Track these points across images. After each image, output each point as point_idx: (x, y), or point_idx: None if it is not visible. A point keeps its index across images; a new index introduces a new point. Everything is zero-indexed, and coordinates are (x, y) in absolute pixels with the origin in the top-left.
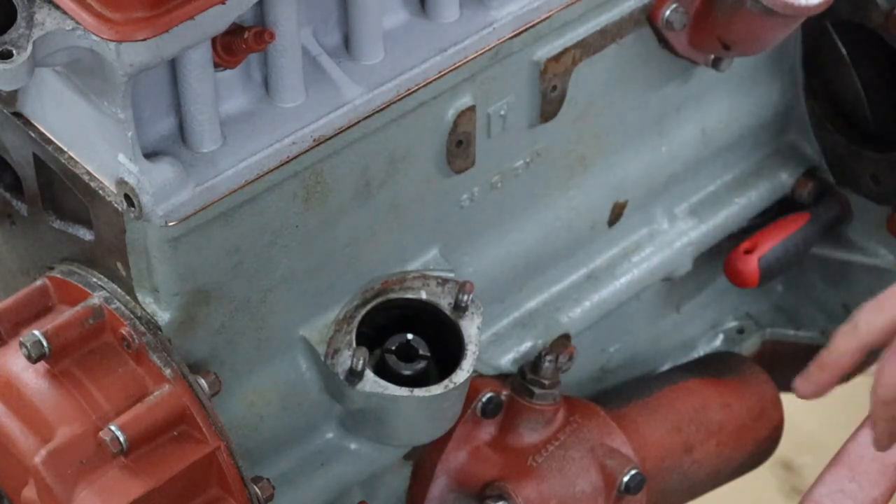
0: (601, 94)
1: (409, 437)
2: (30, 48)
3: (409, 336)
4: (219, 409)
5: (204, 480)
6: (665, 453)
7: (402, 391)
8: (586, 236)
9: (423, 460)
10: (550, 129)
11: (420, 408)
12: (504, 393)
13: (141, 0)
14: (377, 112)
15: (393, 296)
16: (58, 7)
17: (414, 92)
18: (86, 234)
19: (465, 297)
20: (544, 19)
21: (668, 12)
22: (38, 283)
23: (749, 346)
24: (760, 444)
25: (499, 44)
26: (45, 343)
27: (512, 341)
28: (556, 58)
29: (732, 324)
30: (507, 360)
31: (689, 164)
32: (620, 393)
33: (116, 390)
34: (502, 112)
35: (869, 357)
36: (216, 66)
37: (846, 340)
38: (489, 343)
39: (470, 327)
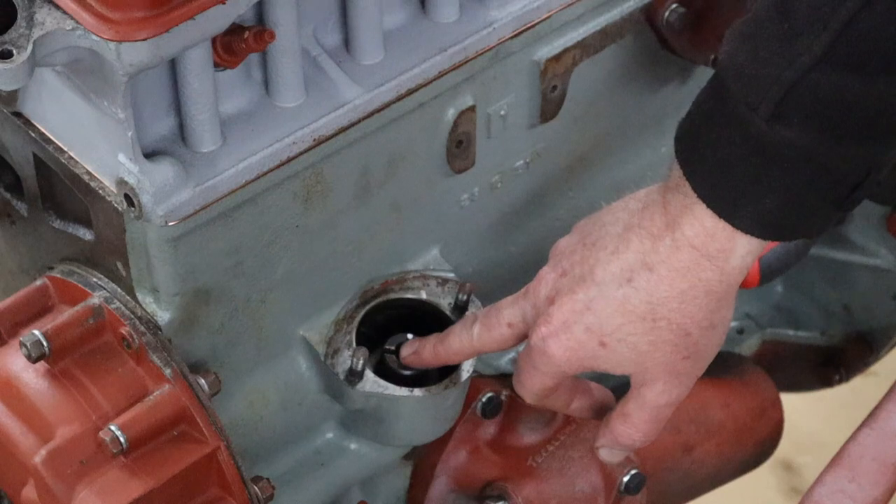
0: (601, 95)
1: (409, 437)
2: (30, 48)
3: (409, 336)
4: (219, 409)
5: (204, 480)
6: (665, 453)
7: (402, 391)
8: None
9: (423, 460)
10: (550, 129)
11: (420, 408)
12: (504, 393)
13: (141, 0)
14: (377, 112)
15: (393, 296)
16: (58, 7)
17: (414, 92)
18: (86, 234)
19: (465, 297)
20: (544, 19)
21: (668, 12)
22: (38, 282)
23: (749, 346)
24: (760, 444)
25: (499, 44)
26: (45, 343)
27: None
28: (556, 58)
29: (732, 324)
30: (507, 360)
31: None
32: (620, 393)
33: (116, 390)
34: (502, 112)
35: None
36: (216, 66)
37: (461, 343)
38: None
39: None
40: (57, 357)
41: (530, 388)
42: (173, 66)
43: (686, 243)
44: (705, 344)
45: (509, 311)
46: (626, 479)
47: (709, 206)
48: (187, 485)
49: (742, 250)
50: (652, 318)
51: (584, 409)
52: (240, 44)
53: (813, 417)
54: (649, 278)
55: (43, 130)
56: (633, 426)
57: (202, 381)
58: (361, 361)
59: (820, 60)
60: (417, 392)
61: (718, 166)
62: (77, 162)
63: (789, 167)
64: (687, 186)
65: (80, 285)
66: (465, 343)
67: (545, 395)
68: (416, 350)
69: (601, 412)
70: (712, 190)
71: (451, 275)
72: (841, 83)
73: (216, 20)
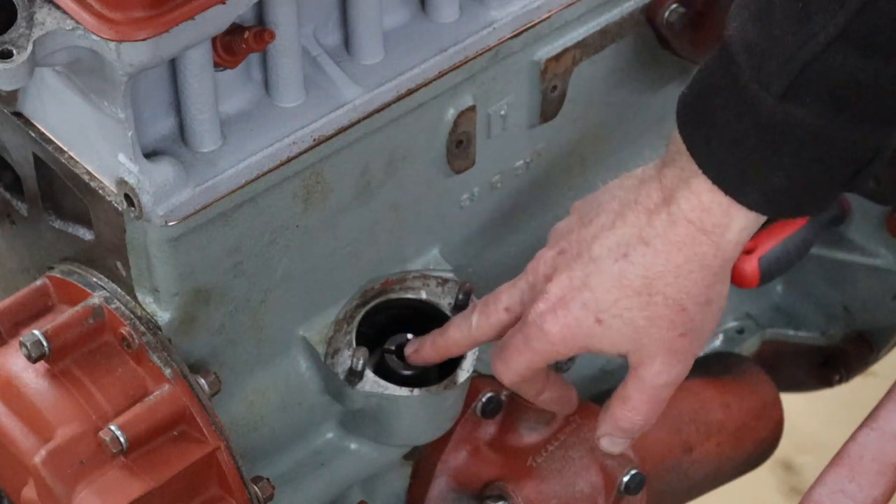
0: (601, 94)
1: (409, 437)
2: (30, 48)
3: (409, 336)
4: (219, 409)
5: (204, 480)
6: (665, 453)
7: (402, 391)
8: None
9: (423, 460)
10: (550, 129)
11: (420, 408)
12: (504, 393)
13: (141, 0)
14: (377, 112)
15: (393, 296)
16: (58, 7)
17: (414, 92)
18: (86, 234)
19: (465, 297)
20: (544, 19)
21: (668, 12)
22: (38, 282)
23: (749, 346)
24: (760, 444)
25: (499, 44)
26: (45, 343)
27: None
28: (556, 58)
29: (732, 324)
30: None
31: None
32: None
33: (116, 390)
34: (502, 112)
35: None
36: (216, 66)
37: (461, 333)
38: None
39: None
40: (57, 357)
41: (515, 366)
42: (173, 66)
43: (682, 217)
44: (701, 320)
45: (506, 296)
46: (626, 479)
47: (715, 182)
48: (187, 485)
49: (738, 225)
50: (648, 292)
51: (553, 400)
52: (240, 44)
53: (813, 417)
54: (645, 252)
55: (43, 130)
56: (632, 409)
57: (202, 381)
58: (361, 361)
59: (835, 40)
60: (417, 392)
61: (725, 143)
62: (77, 162)
63: (799, 146)
64: (684, 160)
65: (80, 285)
66: (463, 333)
67: (528, 376)
68: (418, 347)
69: (565, 406)
70: (719, 166)
71: (451, 275)
72: (855, 64)
73: (216, 20)
